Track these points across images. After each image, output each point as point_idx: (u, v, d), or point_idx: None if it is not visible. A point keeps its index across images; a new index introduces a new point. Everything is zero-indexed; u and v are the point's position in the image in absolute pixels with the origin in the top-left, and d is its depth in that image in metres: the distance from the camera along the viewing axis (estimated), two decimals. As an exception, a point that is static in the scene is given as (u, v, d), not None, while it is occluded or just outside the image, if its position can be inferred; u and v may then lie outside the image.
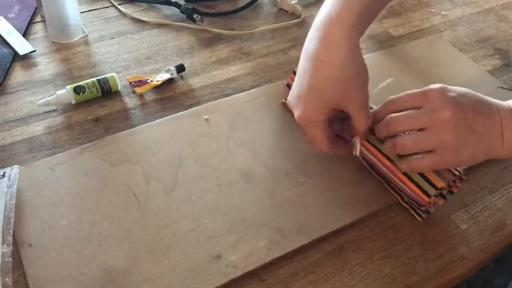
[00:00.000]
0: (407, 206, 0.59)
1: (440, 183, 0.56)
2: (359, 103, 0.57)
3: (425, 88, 0.55)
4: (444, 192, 0.58)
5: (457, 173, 0.57)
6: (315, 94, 0.56)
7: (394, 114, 0.55)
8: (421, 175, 0.57)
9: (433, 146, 0.53)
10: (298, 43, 0.85)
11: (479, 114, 0.53)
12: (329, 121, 0.59)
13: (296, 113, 0.59)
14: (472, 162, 0.54)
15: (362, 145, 0.60)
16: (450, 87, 0.54)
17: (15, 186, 0.57)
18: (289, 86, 0.69)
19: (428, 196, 0.56)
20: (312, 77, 0.56)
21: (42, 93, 0.71)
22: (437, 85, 0.54)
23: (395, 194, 0.60)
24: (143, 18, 0.86)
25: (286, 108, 0.70)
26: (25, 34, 0.81)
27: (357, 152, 0.60)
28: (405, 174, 0.58)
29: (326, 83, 0.55)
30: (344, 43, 0.54)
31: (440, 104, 0.52)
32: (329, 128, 0.59)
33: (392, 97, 0.57)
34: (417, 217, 0.59)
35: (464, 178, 0.58)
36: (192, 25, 0.86)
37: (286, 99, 0.70)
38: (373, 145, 0.59)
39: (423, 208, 0.58)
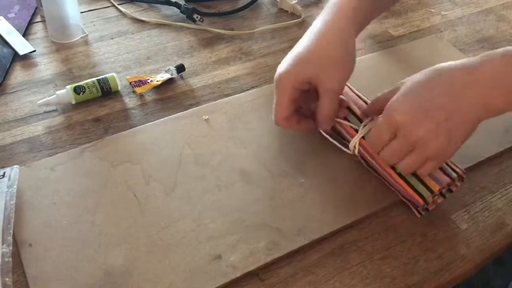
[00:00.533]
0: (407, 202, 0.60)
1: (435, 187, 0.57)
2: (330, 86, 0.59)
3: (386, 114, 0.54)
4: (444, 190, 0.58)
5: (455, 175, 0.57)
6: (301, 61, 0.60)
7: (381, 154, 0.57)
8: (417, 178, 0.58)
9: (428, 157, 0.54)
10: (298, 43, 0.85)
11: (447, 106, 0.52)
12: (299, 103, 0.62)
13: (278, 71, 0.61)
14: (469, 135, 0.54)
15: (360, 144, 0.60)
16: (405, 93, 0.54)
17: (15, 186, 0.57)
18: None
19: (423, 199, 0.57)
20: (306, 47, 0.60)
21: (42, 93, 0.71)
22: (394, 103, 0.54)
23: (395, 190, 0.60)
24: (143, 18, 0.86)
25: None
26: (25, 34, 0.81)
27: (355, 151, 0.61)
28: (401, 176, 0.58)
29: (314, 56, 0.59)
30: (344, 30, 0.60)
31: (408, 126, 0.53)
32: (300, 116, 0.62)
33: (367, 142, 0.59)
34: (416, 213, 0.59)
35: (464, 177, 0.58)
36: (192, 25, 0.86)
37: None
38: None
39: (419, 208, 0.59)
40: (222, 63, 0.79)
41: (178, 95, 0.73)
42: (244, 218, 0.57)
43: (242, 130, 0.67)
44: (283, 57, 0.80)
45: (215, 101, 0.72)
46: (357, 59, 0.80)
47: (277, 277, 0.54)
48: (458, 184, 0.59)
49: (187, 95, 0.73)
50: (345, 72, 0.60)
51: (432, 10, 0.95)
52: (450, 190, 0.59)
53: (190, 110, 0.70)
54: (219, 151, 0.64)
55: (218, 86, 0.75)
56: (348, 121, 0.62)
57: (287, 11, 0.91)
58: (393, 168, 0.59)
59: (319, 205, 0.59)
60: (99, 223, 0.55)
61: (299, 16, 0.90)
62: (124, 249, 0.53)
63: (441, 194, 0.59)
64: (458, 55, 0.84)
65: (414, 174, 0.58)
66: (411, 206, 0.60)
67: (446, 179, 0.57)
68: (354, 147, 0.61)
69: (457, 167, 0.58)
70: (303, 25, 0.89)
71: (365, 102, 0.64)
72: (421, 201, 0.57)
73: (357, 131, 0.61)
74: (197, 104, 0.71)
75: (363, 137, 0.60)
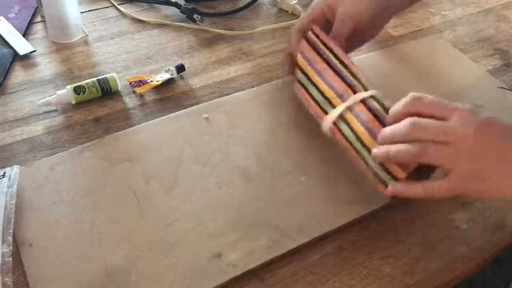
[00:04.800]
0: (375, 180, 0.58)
1: (401, 174, 0.54)
2: (343, 10, 0.65)
3: (454, 104, 0.51)
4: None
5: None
6: None
7: (417, 119, 0.51)
8: (385, 169, 0.56)
9: (451, 166, 0.50)
10: (298, 43, 0.85)
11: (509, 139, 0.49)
12: None
13: None
14: (506, 194, 0.50)
15: (331, 130, 0.61)
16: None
17: (15, 186, 0.57)
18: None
19: (386, 186, 0.55)
20: None
21: (42, 93, 0.71)
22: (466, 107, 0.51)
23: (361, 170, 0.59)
24: (143, 18, 0.86)
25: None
26: (25, 34, 0.81)
27: (329, 134, 0.62)
28: (369, 167, 0.57)
29: None
30: None
31: (466, 122, 0.49)
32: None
33: (416, 94, 0.53)
34: (383, 188, 0.56)
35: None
36: (192, 25, 0.86)
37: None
38: (343, 134, 0.60)
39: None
40: (222, 63, 0.80)
41: (178, 95, 0.73)
42: (244, 216, 0.57)
43: (242, 129, 0.67)
44: (283, 57, 0.81)
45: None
46: (357, 58, 0.80)
47: (277, 276, 0.54)
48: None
49: (187, 95, 0.73)
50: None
51: (432, 10, 0.95)
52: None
53: (190, 108, 0.70)
54: (219, 150, 0.64)
55: (218, 86, 0.75)
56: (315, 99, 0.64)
57: (287, 11, 0.91)
58: (360, 155, 0.58)
59: (320, 204, 0.59)
60: (99, 223, 0.55)
61: (299, 16, 0.90)
62: (124, 248, 0.53)
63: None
64: (458, 55, 0.84)
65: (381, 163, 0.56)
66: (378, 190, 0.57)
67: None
68: (330, 126, 0.61)
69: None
70: (303, 25, 0.88)
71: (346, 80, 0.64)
72: (382, 187, 0.55)
73: (324, 111, 0.62)
74: (197, 104, 0.71)
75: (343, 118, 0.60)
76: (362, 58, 0.80)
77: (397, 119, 0.54)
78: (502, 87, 0.77)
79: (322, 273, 0.54)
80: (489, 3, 0.98)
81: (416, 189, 0.53)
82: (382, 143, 0.54)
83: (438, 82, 0.77)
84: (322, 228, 0.57)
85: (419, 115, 0.52)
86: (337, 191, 0.60)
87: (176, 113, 0.69)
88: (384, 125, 0.57)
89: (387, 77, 0.78)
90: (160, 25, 0.86)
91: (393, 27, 0.90)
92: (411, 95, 0.54)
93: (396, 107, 0.55)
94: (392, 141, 0.53)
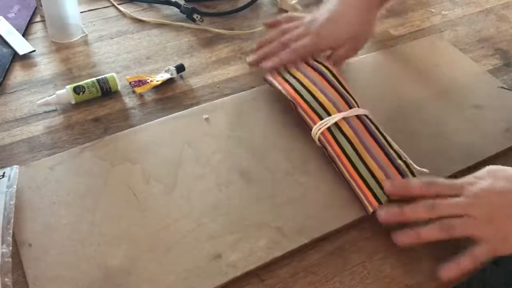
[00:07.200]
0: (361, 197, 0.59)
1: None
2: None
3: (466, 181, 0.55)
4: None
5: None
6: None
7: (435, 201, 0.55)
8: (376, 180, 0.58)
9: (479, 233, 0.54)
10: (298, 43, 0.84)
11: None
12: None
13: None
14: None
15: (322, 134, 0.62)
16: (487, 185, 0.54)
17: (14, 186, 0.57)
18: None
19: (380, 202, 0.57)
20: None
21: (42, 93, 0.71)
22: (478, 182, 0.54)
23: (350, 185, 0.60)
24: (143, 18, 0.86)
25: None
26: (25, 34, 0.81)
27: (316, 139, 0.63)
28: (360, 177, 0.59)
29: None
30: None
31: (476, 192, 0.54)
32: None
33: (430, 180, 0.57)
34: (369, 209, 0.58)
35: None
36: (192, 25, 0.86)
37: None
38: (335, 139, 0.61)
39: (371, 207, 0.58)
40: (222, 63, 0.79)
41: (178, 95, 0.73)
42: (244, 217, 0.57)
43: (242, 129, 0.67)
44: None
45: (215, 100, 0.72)
46: (357, 58, 0.80)
47: (277, 277, 0.53)
48: None
49: (187, 95, 0.73)
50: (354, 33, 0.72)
51: (432, 10, 0.95)
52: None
53: (190, 109, 0.69)
54: (219, 150, 0.64)
55: (217, 86, 0.75)
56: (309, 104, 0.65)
57: (287, 11, 0.91)
58: (352, 164, 0.59)
59: (320, 204, 0.59)
60: (99, 223, 0.55)
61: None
62: (123, 249, 0.53)
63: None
64: (459, 55, 0.84)
65: (374, 176, 0.58)
66: (365, 202, 0.58)
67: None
68: (317, 137, 0.63)
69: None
70: (303, 25, 0.88)
71: (340, 92, 0.66)
72: (375, 202, 0.57)
73: (319, 117, 0.63)
74: (197, 104, 0.71)
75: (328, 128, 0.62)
76: (362, 58, 0.80)
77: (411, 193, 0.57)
78: (502, 87, 0.77)
79: (323, 274, 0.54)
80: (490, 3, 0.98)
81: (464, 263, 0.54)
82: (406, 218, 0.56)
83: (438, 82, 0.77)
84: (322, 228, 0.57)
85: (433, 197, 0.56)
86: (337, 192, 0.60)
87: (176, 113, 0.69)
88: (378, 143, 0.61)
89: (387, 77, 0.78)
90: (160, 25, 0.86)
91: (393, 27, 0.90)
92: (424, 180, 0.58)
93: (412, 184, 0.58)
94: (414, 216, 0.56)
